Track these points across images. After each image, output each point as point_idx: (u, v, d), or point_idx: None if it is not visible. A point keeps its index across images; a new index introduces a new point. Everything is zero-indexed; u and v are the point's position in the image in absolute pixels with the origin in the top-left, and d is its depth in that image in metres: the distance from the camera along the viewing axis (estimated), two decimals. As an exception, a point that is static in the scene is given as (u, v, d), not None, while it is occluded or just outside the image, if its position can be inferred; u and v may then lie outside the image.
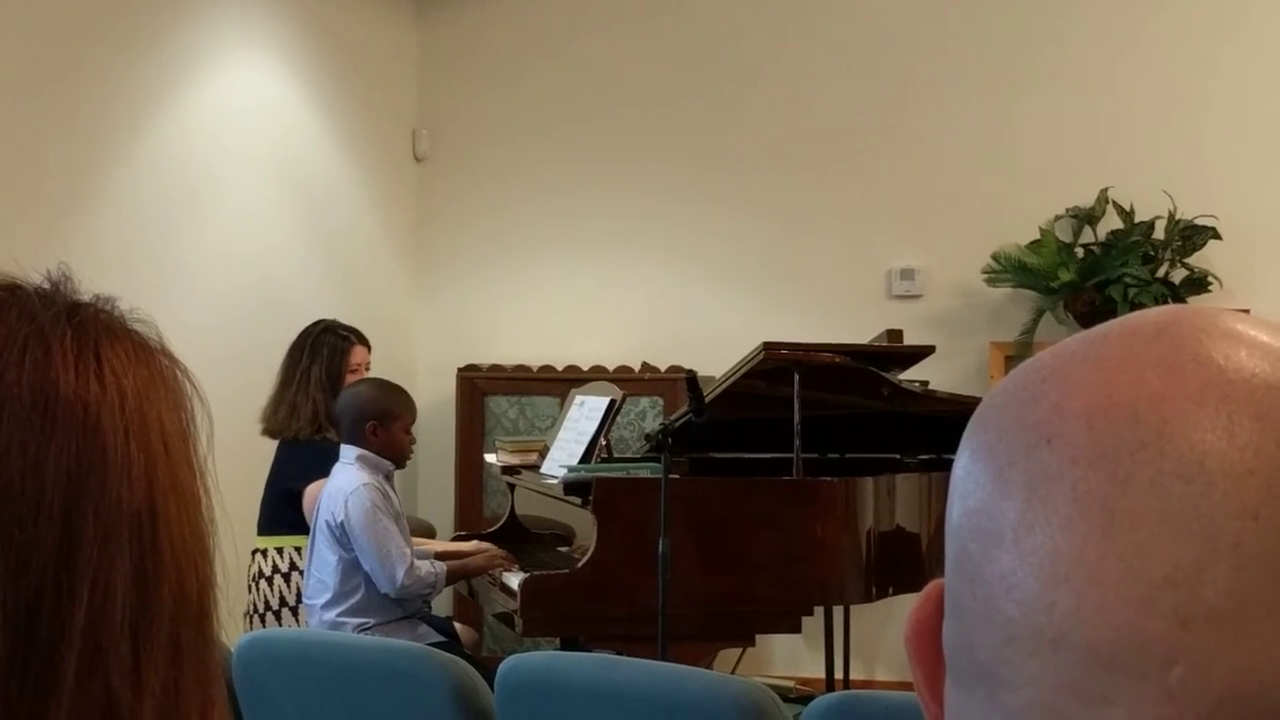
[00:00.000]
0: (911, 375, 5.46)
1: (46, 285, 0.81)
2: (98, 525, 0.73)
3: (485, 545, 5.31)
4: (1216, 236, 6.34)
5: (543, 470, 5.29)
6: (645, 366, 7.04)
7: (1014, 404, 0.60)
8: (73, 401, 0.75)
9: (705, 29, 7.24)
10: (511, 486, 5.68)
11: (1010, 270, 6.55)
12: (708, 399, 4.50)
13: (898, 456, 5.33)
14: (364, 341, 5.39)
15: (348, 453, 4.79)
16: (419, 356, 7.49)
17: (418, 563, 4.73)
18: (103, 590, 0.73)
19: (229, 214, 6.22)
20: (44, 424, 0.74)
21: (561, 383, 6.72)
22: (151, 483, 0.76)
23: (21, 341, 0.76)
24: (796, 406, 4.71)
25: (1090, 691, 0.54)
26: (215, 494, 0.82)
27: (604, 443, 5.14)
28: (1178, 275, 6.40)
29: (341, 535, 4.67)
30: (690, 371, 4.46)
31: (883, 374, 4.98)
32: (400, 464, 4.94)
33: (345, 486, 4.68)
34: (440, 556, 5.12)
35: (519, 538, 5.47)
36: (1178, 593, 0.53)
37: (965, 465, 0.61)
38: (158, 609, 0.75)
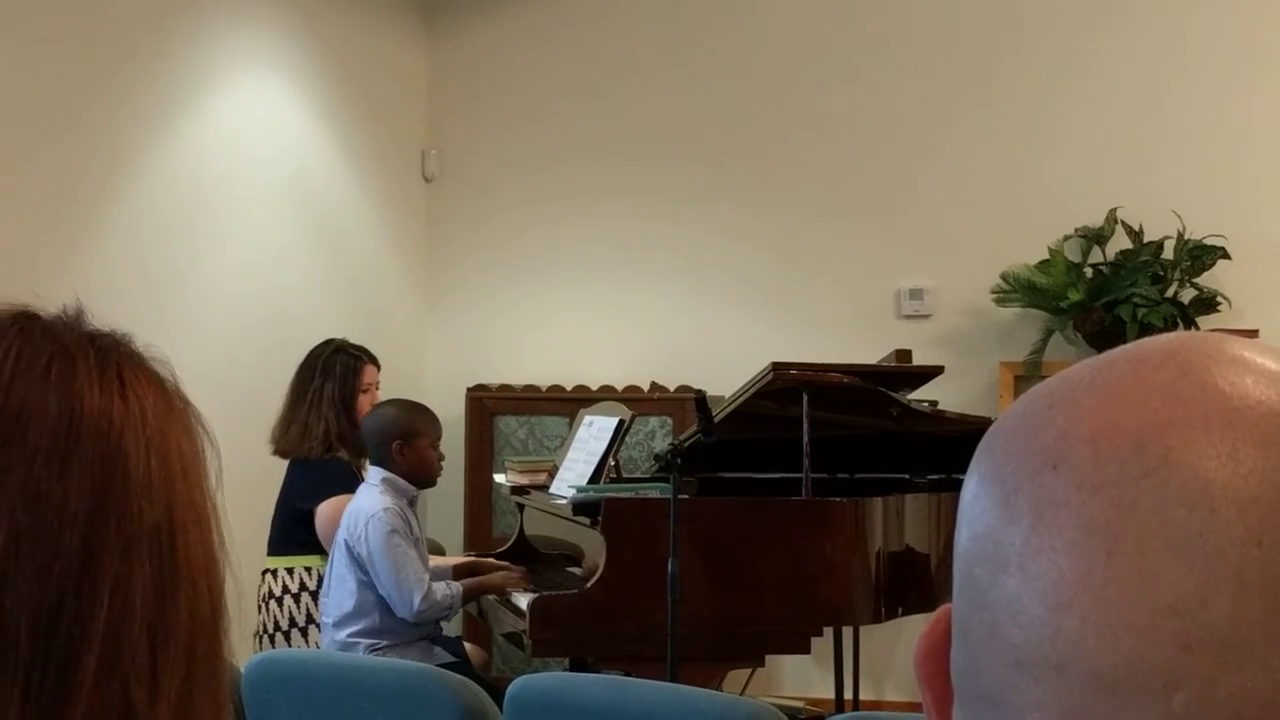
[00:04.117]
0: (921, 395, 5.46)
1: (66, 315, 0.83)
2: (120, 535, 0.75)
3: (502, 564, 5.31)
4: (1226, 256, 6.34)
5: (552, 490, 5.30)
6: (654, 386, 7.04)
7: (1021, 429, 0.60)
8: (97, 417, 0.77)
9: (716, 55, 7.25)
10: (520, 506, 5.68)
11: (1019, 290, 6.55)
12: (717, 419, 4.51)
13: (907, 477, 5.33)
14: (374, 360, 5.40)
15: (374, 474, 4.82)
16: (428, 376, 7.49)
17: (434, 585, 4.74)
18: (123, 597, 0.74)
19: (239, 234, 6.24)
20: (69, 437, 0.76)
21: (570, 403, 6.72)
22: (171, 499, 0.78)
23: (47, 358, 0.78)
24: (806, 427, 4.71)
25: (1094, 717, 0.54)
26: (225, 524, 0.84)
27: (613, 463, 5.14)
28: (1187, 295, 6.39)
29: (360, 557, 4.69)
30: (699, 391, 4.46)
31: (892, 394, 4.98)
32: (430, 482, 4.97)
33: (367, 509, 4.70)
34: (456, 570, 5.13)
35: (528, 558, 5.47)
36: (1181, 619, 0.53)
37: (973, 490, 0.61)
38: (175, 619, 0.77)
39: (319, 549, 5.06)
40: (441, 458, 4.97)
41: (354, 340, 5.47)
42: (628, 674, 4.16)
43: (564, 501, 5.00)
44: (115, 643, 0.74)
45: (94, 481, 0.75)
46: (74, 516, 0.74)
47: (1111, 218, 6.56)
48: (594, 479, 5.01)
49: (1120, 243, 6.55)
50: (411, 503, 4.84)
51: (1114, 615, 0.54)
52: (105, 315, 0.86)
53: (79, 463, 0.75)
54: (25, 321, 0.81)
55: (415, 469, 4.84)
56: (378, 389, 5.37)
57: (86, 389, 0.78)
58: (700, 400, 4.39)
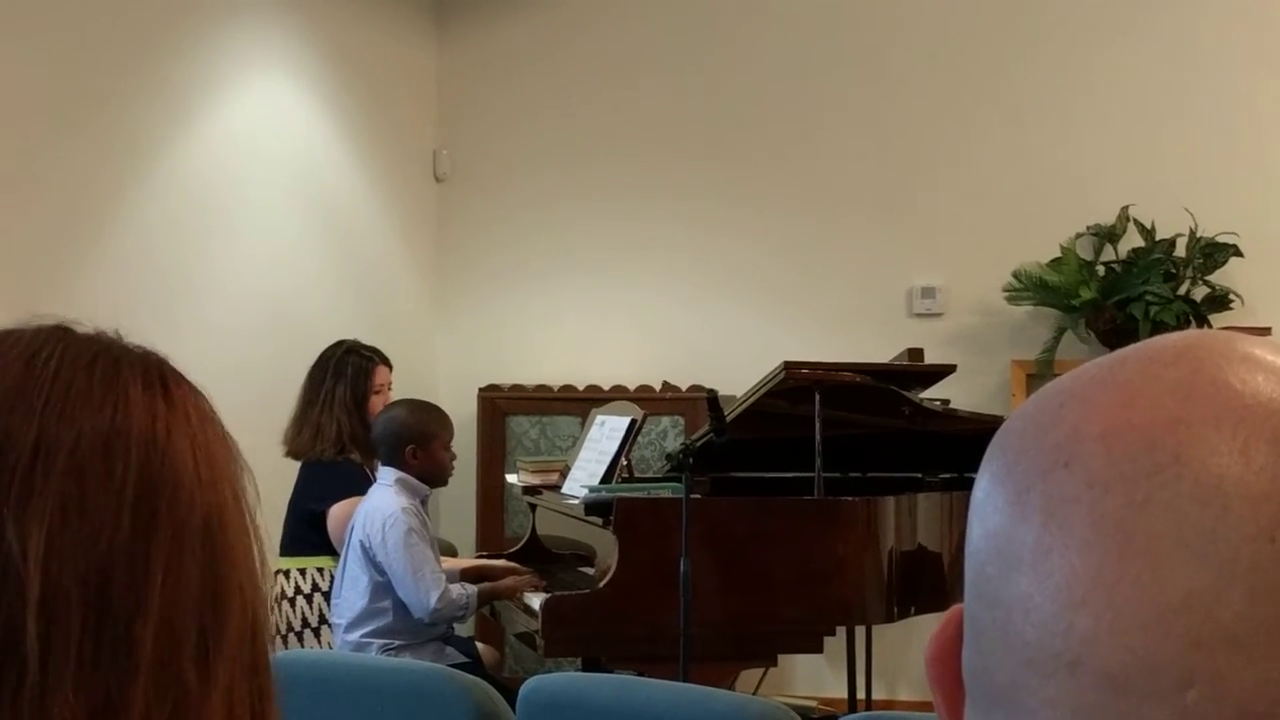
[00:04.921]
0: (933, 394, 5.45)
1: (107, 333, 0.86)
2: (171, 519, 0.77)
3: (513, 565, 5.31)
4: (1238, 254, 6.32)
5: (564, 490, 5.30)
6: (666, 386, 7.03)
7: (1033, 427, 0.60)
8: (142, 413, 0.80)
9: (726, 55, 7.25)
10: (533, 506, 5.68)
11: (1031, 288, 6.54)
12: (729, 418, 4.51)
13: (919, 476, 5.32)
14: (386, 361, 5.40)
15: (386, 474, 4.81)
16: (440, 376, 7.49)
17: (450, 586, 4.74)
18: (175, 579, 0.76)
19: (250, 234, 6.25)
20: (114, 425, 0.78)
21: (582, 402, 6.72)
22: (219, 497, 0.81)
23: (90, 356, 0.81)
24: (818, 426, 4.71)
25: (1107, 714, 0.54)
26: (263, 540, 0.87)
27: (625, 462, 5.14)
28: (1199, 293, 6.38)
29: (375, 558, 4.68)
30: (711, 391, 4.45)
31: (904, 393, 4.97)
32: (442, 482, 5.00)
33: (383, 509, 4.69)
34: (468, 573, 5.13)
35: (540, 558, 5.47)
36: (1194, 615, 0.53)
37: (985, 489, 0.61)
38: (224, 610, 0.79)
39: (331, 550, 5.07)
40: (453, 456, 4.98)
41: (365, 341, 5.48)
42: (640, 674, 4.16)
43: (576, 501, 5.00)
44: (170, 623, 0.75)
45: (142, 466, 0.77)
46: (121, 493, 0.76)
47: (1123, 215, 6.55)
48: (606, 479, 5.01)
49: (1132, 240, 6.54)
50: (424, 502, 4.85)
51: (1127, 612, 0.54)
52: (116, 315, 0.87)
53: (124, 448, 0.78)
54: (68, 330, 0.83)
55: (429, 471, 4.85)
56: (390, 390, 5.37)
57: (131, 386, 0.80)
58: (712, 400, 4.39)
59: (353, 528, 4.78)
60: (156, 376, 0.82)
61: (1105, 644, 0.54)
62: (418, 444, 4.81)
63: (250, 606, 0.81)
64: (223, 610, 0.79)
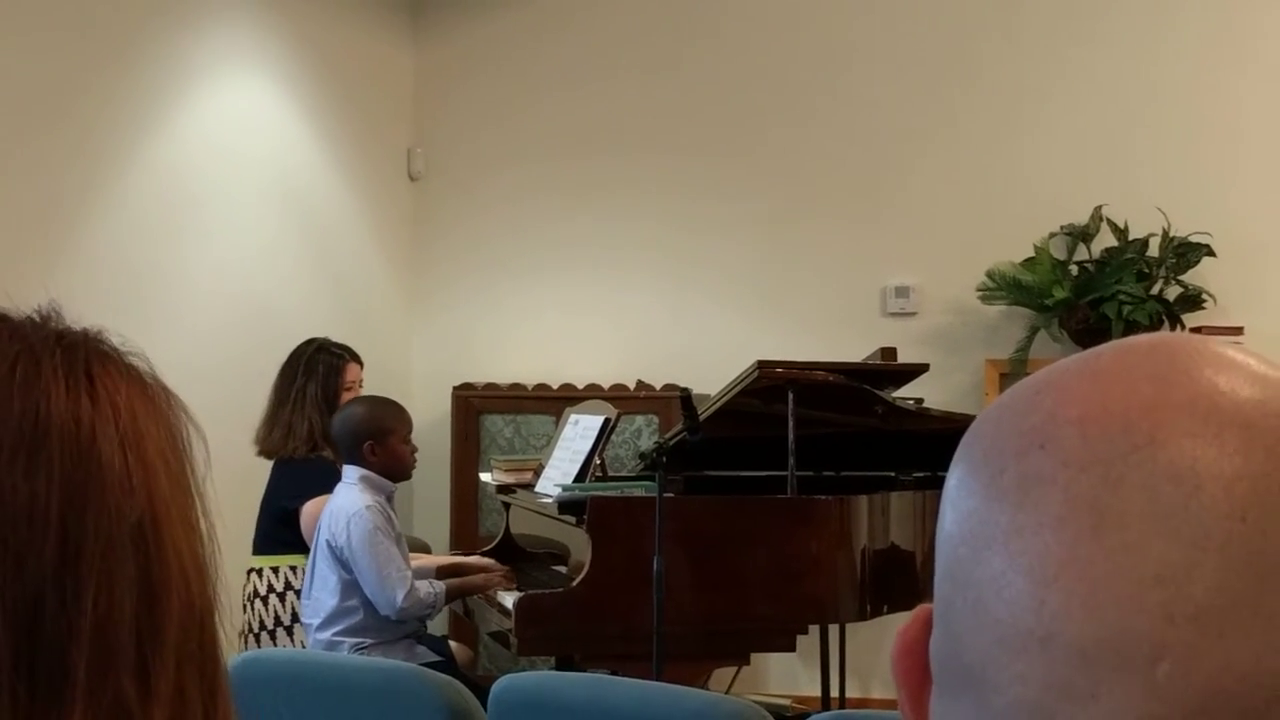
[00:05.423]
0: (906, 393, 5.46)
1: (36, 317, 0.82)
2: (98, 533, 0.74)
3: (487, 561, 5.30)
4: (1210, 254, 6.35)
5: (537, 489, 5.29)
6: (640, 385, 7.03)
7: (1009, 414, 0.61)
8: (65, 417, 0.75)
9: (701, 54, 7.25)
10: (506, 505, 5.68)
11: (1005, 288, 6.55)
12: (702, 417, 4.50)
13: (892, 475, 5.33)
14: (357, 359, 5.39)
15: (350, 473, 4.79)
16: (414, 375, 7.48)
17: (417, 584, 4.73)
18: (108, 596, 0.73)
19: (224, 232, 6.22)
20: (34, 436, 0.74)
21: (556, 401, 6.72)
22: (152, 494, 0.77)
23: (11, 358, 0.76)
24: (791, 425, 4.71)
25: (1078, 688, 0.55)
26: (217, 516, 0.83)
27: (599, 461, 5.13)
28: (1172, 293, 6.41)
29: (342, 556, 4.67)
30: (685, 390, 4.46)
31: (877, 392, 4.98)
32: (405, 476, 4.95)
33: (348, 508, 4.68)
34: (443, 570, 5.12)
35: (514, 556, 5.46)
36: (1166, 590, 0.54)
37: (958, 476, 0.62)
38: (163, 616, 0.75)
39: (304, 548, 5.05)
40: (414, 450, 4.95)
41: (340, 339, 5.47)
42: (613, 672, 4.15)
43: (550, 500, 4.99)
44: (104, 642, 0.72)
45: (65, 479, 0.74)
46: (45, 514, 0.73)
47: (1097, 215, 6.57)
48: (580, 478, 5.01)
49: (1105, 240, 6.56)
50: (389, 498, 4.83)
51: (1100, 587, 0.55)
52: (89, 315, 0.84)
53: (46, 461, 0.74)
54: None
55: (389, 465, 4.82)
56: (361, 387, 5.36)
57: (52, 388, 0.76)
58: (686, 398, 4.39)
59: (320, 527, 4.77)
60: (82, 370, 0.78)
61: (1078, 619, 0.55)
62: (375, 439, 4.79)
63: (195, 598, 0.78)
64: (161, 614, 0.75)
